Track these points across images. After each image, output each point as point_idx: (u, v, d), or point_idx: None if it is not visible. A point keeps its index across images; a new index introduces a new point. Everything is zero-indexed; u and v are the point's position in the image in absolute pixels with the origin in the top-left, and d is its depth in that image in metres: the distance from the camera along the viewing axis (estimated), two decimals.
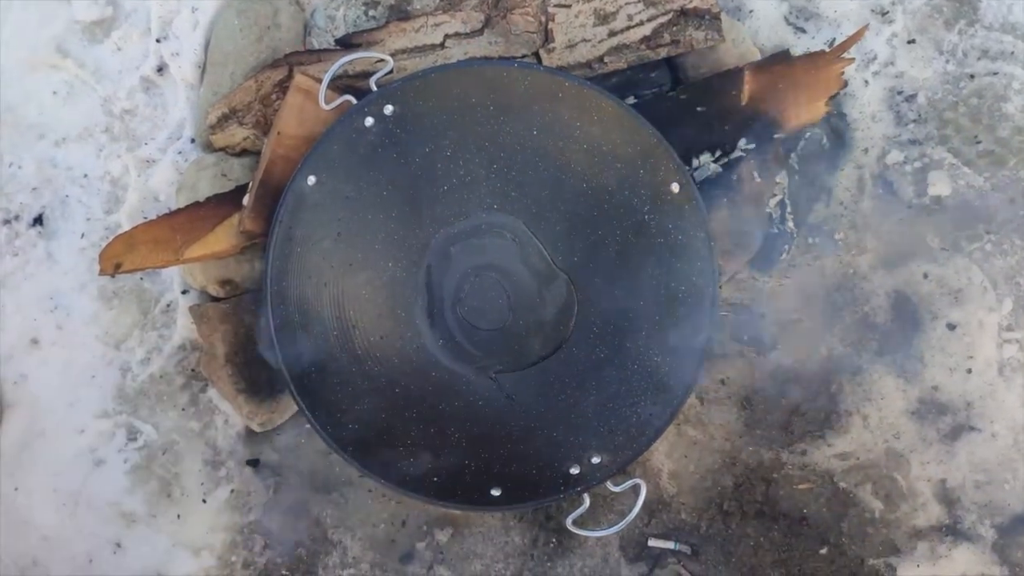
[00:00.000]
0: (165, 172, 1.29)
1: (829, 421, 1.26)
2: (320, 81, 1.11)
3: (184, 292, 1.27)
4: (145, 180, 1.30)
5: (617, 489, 1.06)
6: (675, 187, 1.09)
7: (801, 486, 1.24)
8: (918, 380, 1.26)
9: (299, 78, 1.12)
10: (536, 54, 1.15)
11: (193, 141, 1.30)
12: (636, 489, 1.06)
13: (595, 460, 1.07)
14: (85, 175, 1.31)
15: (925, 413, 1.25)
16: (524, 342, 1.13)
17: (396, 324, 1.12)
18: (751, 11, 1.32)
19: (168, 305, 1.28)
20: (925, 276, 1.28)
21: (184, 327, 1.27)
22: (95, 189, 1.31)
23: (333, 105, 1.09)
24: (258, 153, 1.21)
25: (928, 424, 1.25)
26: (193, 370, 1.26)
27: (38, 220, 1.29)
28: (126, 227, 1.28)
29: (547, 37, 1.14)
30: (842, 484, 1.25)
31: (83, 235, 1.29)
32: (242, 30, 1.21)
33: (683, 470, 1.26)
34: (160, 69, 1.31)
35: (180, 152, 1.30)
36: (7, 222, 1.30)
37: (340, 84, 1.15)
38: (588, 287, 1.13)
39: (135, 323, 1.28)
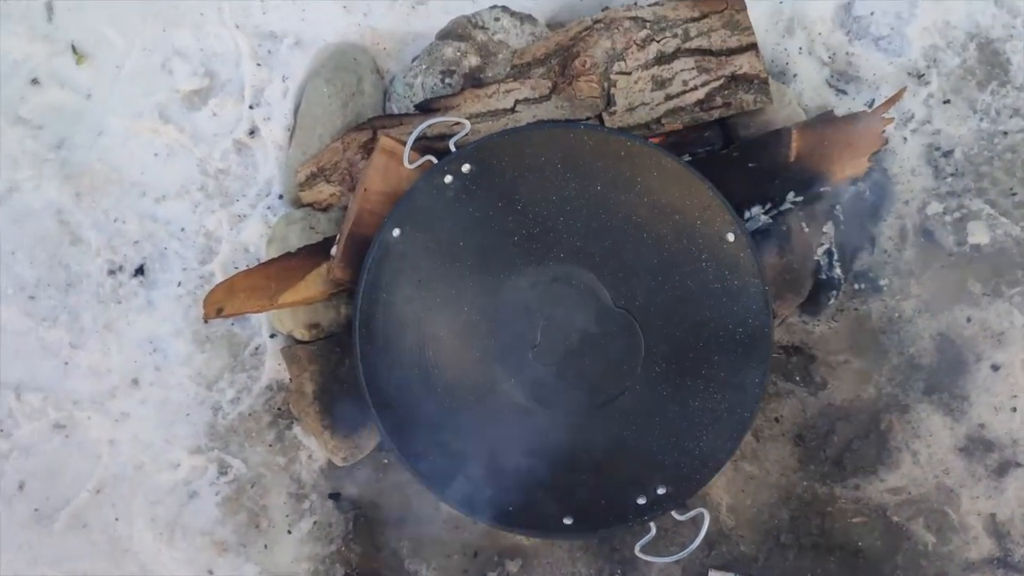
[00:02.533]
0: (255, 226, 1.41)
1: (880, 457, 1.32)
2: (403, 143, 1.23)
3: (272, 336, 1.37)
4: (237, 233, 1.41)
5: (682, 518, 1.13)
6: (730, 236, 1.18)
7: (855, 519, 1.30)
8: (965, 418, 1.32)
9: (384, 140, 1.24)
10: (599, 117, 1.26)
11: (281, 197, 1.41)
12: (699, 519, 1.12)
13: (660, 491, 1.15)
14: (182, 229, 1.43)
15: (973, 450, 1.31)
16: (592, 382, 1.21)
17: (472, 364, 1.21)
18: (795, 75, 1.42)
19: (256, 349, 1.38)
20: (968, 320, 1.35)
21: (271, 369, 1.37)
22: (191, 242, 1.42)
23: (416, 164, 1.20)
24: (343, 208, 1.32)
25: (976, 460, 1.31)
26: (279, 409, 1.36)
27: (140, 271, 1.41)
28: (220, 277, 1.39)
29: (609, 101, 1.25)
30: (895, 518, 1.30)
31: (180, 284, 1.41)
32: (330, 97, 1.33)
33: (741, 504, 1.32)
34: (252, 132, 1.44)
35: (269, 208, 1.41)
36: (112, 272, 1.41)
37: (419, 145, 1.26)
38: (651, 330, 1.21)
39: (226, 365, 1.38)
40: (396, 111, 1.37)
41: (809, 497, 1.32)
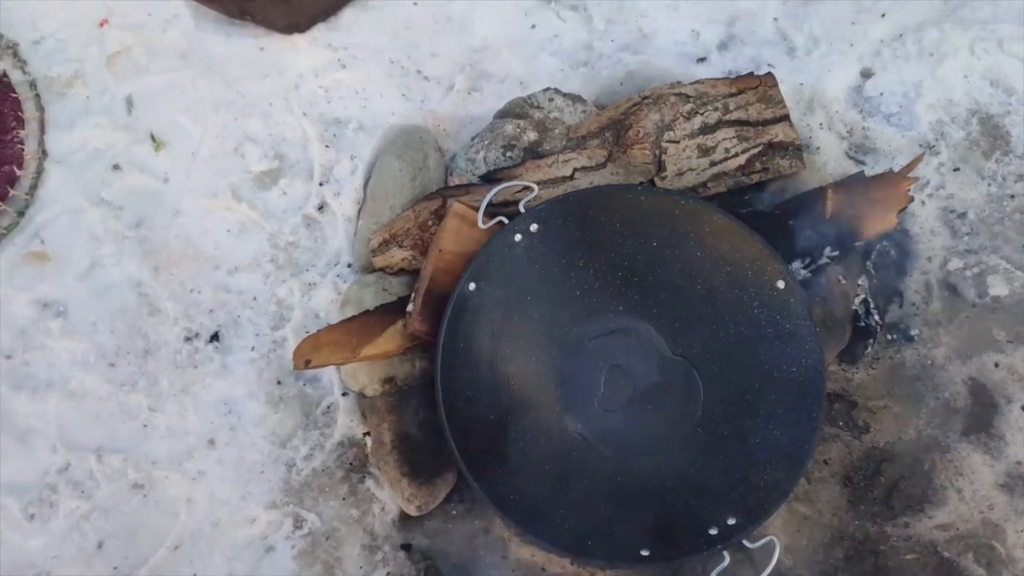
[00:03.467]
0: (325, 293, 1.50)
1: (926, 495, 1.39)
2: (473, 208, 1.34)
3: (344, 394, 1.44)
4: (308, 300, 1.50)
5: (754, 546, 1.19)
6: (780, 284, 1.29)
7: (908, 556, 1.36)
8: (1003, 456, 1.40)
9: (456, 205, 1.35)
10: (651, 181, 1.38)
11: (349, 266, 1.51)
12: (770, 546, 1.18)
13: (731, 521, 1.21)
14: (254, 298, 1.52)
15: (1013, 485, 1.38)
16: (657, 425, 1.29)
17: (543, 409, 1.29)
18: (818, 147, 1.56)
19: (328, 407, 1.45)
20: (996, 365, 1.45)
21: (343, 426, 1.44)
22: (263, 310, 1.51)
23: (489, 225, 1.31)
24: (413, 272, 1.42)
25: (1018, 495, 1.38)
26: (351, 463, 1.42)
27: (215, 337, 1.49)
28: (292, 342, 1.48)
29: (660, 167, 1.38)
30: (946, 553, 1.36)
31: (253, 348, 1.48)
32: (401, 171, 1.45)
33: (797, 544, 1.38)
34: (321, 207, 1.55)
35: (338, 275, 1.51)
36: (188, 339, 1.49)
37: (487, 210, 1.38)
38: (710, 375, 1.30)
39: (299, 424, 1.44)
40: (457, 183, 1.49)
41: (861, 536, 1.38)
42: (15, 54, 1.68)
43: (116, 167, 1.60)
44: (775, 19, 1.67)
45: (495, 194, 1.33)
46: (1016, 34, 1.62)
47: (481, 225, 1.31)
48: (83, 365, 1.47)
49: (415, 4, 1.71)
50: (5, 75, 1.66)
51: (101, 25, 1.72)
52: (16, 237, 1.55)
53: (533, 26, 1.68)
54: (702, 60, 1.64)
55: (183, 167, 1.61)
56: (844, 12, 1.68)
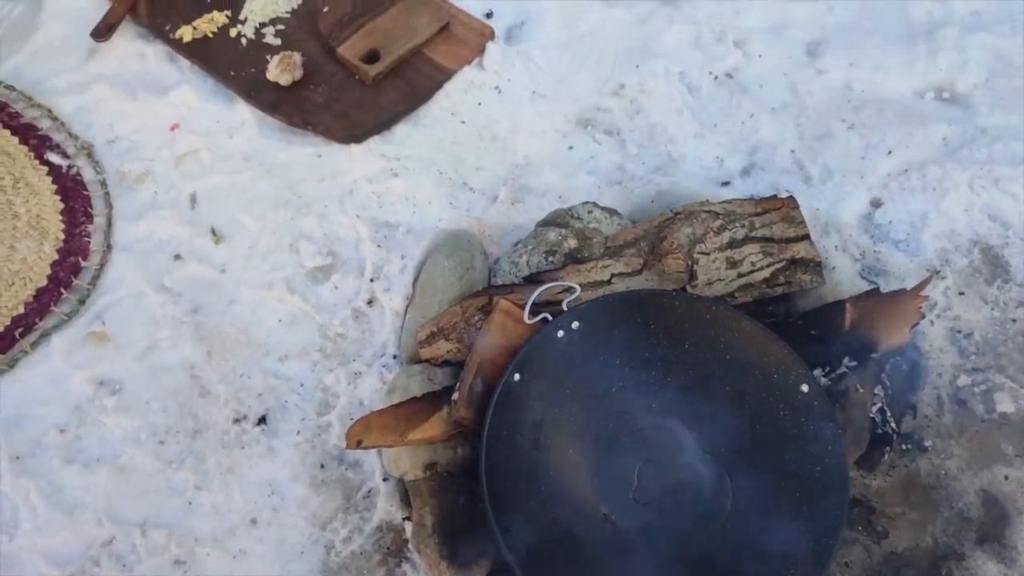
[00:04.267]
0: (370, 382, 1.58)
1: None
2: (519, 305, 1.44)
3: (385, 480, 1.50)
4: (353, 389, 1.58)
5: None
6: (804, 388, 1.38)
7: None
8: (1016, 566, 1.45)
9: (502, 302, 1.45)
10: (683, 289, 1.49)
11: (395, 357, 1.60)
12: None
13: None
14: (302, 385, 1.60)
15: None
16: (688, 518, 1.35)
17: (581, 499, 1.35)
18: (834, 267, 1.68)
19: (369, 492, 1.50)
20: (1006, 478, 1.52)
21: (383, 510, 1.49)
22: (310, 396, 1.59)
23: (534, 320, 1.41)
24: (457, 363, 1.51)
25: None
26: (389, 548, 1.46)
27: (262, 420, 1.56)
28: (337, 428, 1.55)
29: (692, 276, 1.49)
30: None
31: (298, 432, 1.55)
32: (450, 270, 1.57)
33: None
34: (370, 302, 1.65)
35: (384, 366, 1.60)
36: (237, 421, 1.56)
37: (531, 308, 1.48)
38: (738, 472, 1.37)
39: (339, 507, 1.50)
40: (501, 283, 1.60)
41: None
42: (89, 155, 1.82)
43: (178, 257, 1.71)
44: (792, 151, 1.83)
45: (541, 292, 1.43)
46: (1010, 175, 1.78)
47: (527, 320, 1.41)
48: (134, 442, 1.53)
49: (463, 123, 1.86)
50: (79, 173, 1.79)
51: (172, 129, 1.87)
52: (79, 318, 1.64)
53: (571, 147, 1.84)
54: (726, 184, 1.78)
55: (240, 260, 1.72)
56: (854, 148, 1.84)
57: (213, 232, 1.74)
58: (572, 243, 1.56)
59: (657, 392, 1.42)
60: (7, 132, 1.80)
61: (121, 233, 1.74)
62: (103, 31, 1.91)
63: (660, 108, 1.87)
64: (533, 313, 1.44)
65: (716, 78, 1.92)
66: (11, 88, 1.87)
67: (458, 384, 1.43)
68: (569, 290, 1.45)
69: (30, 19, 2.00)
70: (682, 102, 1.87)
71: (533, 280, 1.53)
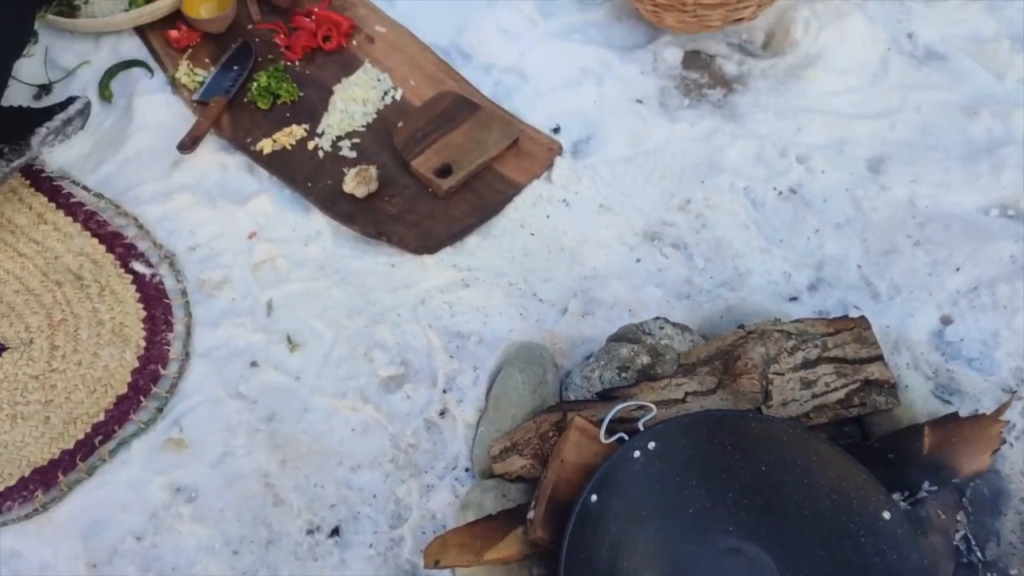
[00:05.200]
0: (443, 495, 1.59)
1: None
2: (593, 422, 1.45)
3: None
4: (426, 502, 1.59)
5: None
6: (886, 515, 1.36)
7: None
8: None
9: (577, 419, 1.46)
10: (758, 409, 1.49)
11: (467, 470, 1.61)
12: None
13: None
14: (374, 496, 1.61)
15: None
16: None
17: None
18: (906, 385, 1.67)
19: None
20: None
21: None
22: (382, 508, 1.59)
23: (611, 440, 1.42)
24: (531, 479, 1.51)
25: None
26: None
27: (335, 532, 1.57)
28: (409, 541, 1.55)
29: (766, 396, 1.49)
30: None
31: (371, 545, 1.56)
32: (523, 384, 1.58)
33: None
34: (442, 412, 1.67)
35: (456, 479, 1.60)
36: (310, 532, 1.57)
37: (598, 423, 1.49)
38: None
39: None
40: (573, 398, 1.61)
41: None
42: (171, 263, 1.88)
43: (254, 364, 1.75)
44: (859, 266, 1.85)
45: (617, 412, 1.44)
46: None
47: (604, 440, 1.41)
48: (208, 551, 1.55)
49: (532, 235, 1.91)
50: (161, 282, 1.85)
51: (250, 237, 1.94)
52: (158, 424, 1.68)
53: (638, 260, 1.87)
54: (794, 299, 1.80)
55: (315, 367, 1.75)
56: (921, 264, 1.85)
57: (289, 340, 1.79)
58: (645, 359, 1.58)
59: (734, 515, 1.41)
60: (95, 240, 1.88)
61: (200, 340, 1.79)
62: (188, 144, 2.00)
63: (726, 223, 1.90)
64: (609, 432, 1.45)
65: (780, 193, 1.95)
66: (100, 196, 1.95)
67: (533, 502, 1.43)
68: (644, 408, 1.46)
69: (121, 130, 2.10)
70: (747, 217, 1.91)
71: (606, 396, 1.55)
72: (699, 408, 1.51)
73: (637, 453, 1.41)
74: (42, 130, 1.93)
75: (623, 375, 1.57)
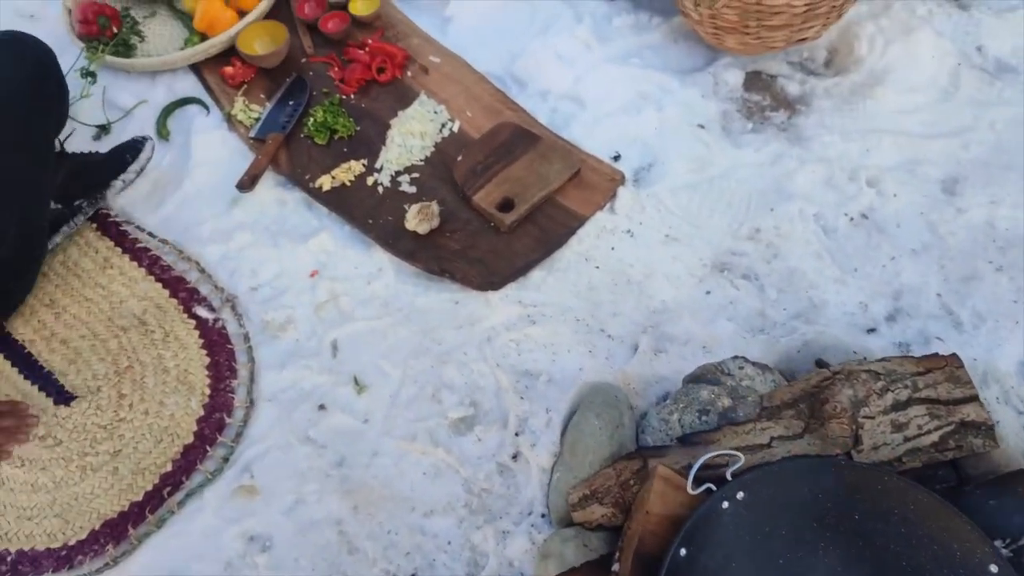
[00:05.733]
0: (520, 542, 1.55)
1: None
2: (677, 471, 1.41)
3: None
4: (502, 549, 1.55)
5: None
6: (993, 568, 1.30)
7: None
8: None
9: (661, 468, 1.42)
10: (848, 454, 1.44)
11: (543, 516, 1.57)
12: None
13: None
14: (449, 542, 1.58)
15: None
16: None
17: None
18: (997, 421, 1.61)
19: None
20: None
21: None
22: (458, 555, 1.56)
23: (698, 491, 1.37)
24: (612, 528, 1.47)
25: None
26: None
27: None
28: None
29: (856, 441, 1.44)
30: None
31: None
32: (600, 429, 1.55)
33: None
34: (515, 456, 1.64)
35: (533, 526, 1.57)
36: None
37: (682, 471, 1.44)
38: None
39: None
40: (651, 442, 1.57)
41: None
42: (233, 307, 1.87)
43: (322, 407, 1.73)
44: (938, 295, 1.79)
45: (703, 461, 1.39)
46: None
47: (691, 491, 1.37)
48: None
49: (597, 268, 1.87)
50: (224, 327, 1.84)
51: (312, 276, 1.92)
52: (228, 470, 1.66)
53: (708, 292, 1.82)
54: (872, 331, 1.74)
55: (383, 409, 1.73)
56: (1004, 291, 1.78)
57: (355, 381, 1.76)
58: (726, 402, 1.53)
59: (828, 566, 1.36)
60: (159, 285, 1.87)
61: (266, 382, 1.77)
62: (247, 183, 1.99)
63: (798, 251, 1.85)
64: (696, 481, 1.40)
65: (852, 219, 1.89)
66: (164, 242, 1.94)
67: (618, 555, 1.39)
68: (730, 455, 1.41)
69: (179, 168, 2.09)
70: (820, 245, 1.85)
71: (687, 441, 1.50)
72: (786, 453, 1.46)
73: (726, 504, 1.37)
74: (118, 183, 1.96)
75: (703, 419, 1.53)
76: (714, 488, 1.38)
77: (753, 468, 1.40)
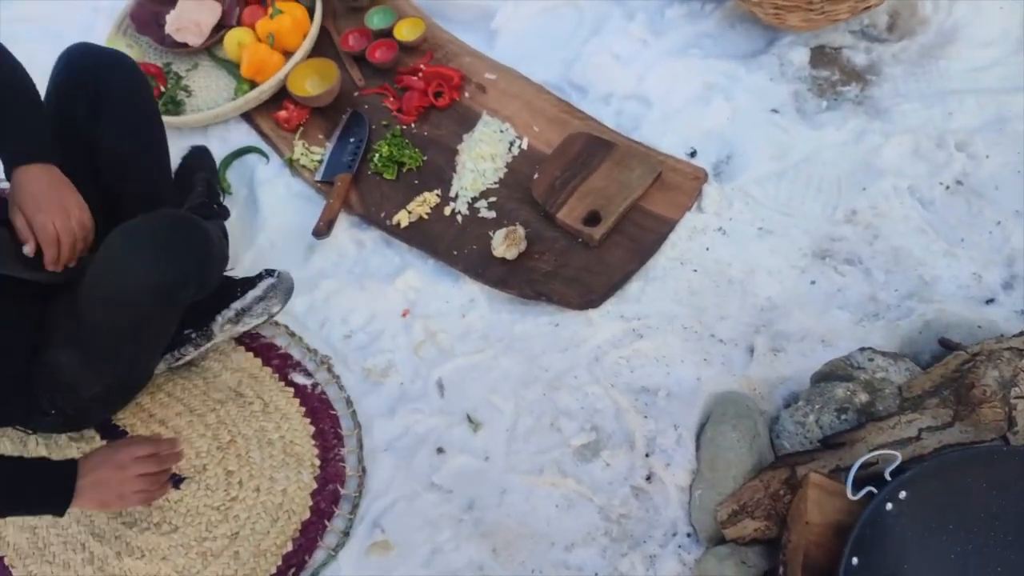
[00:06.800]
0: (670, 565, 1.52)
1: None
2: (831, 478, 1.37)
3: None
4: (652, 574, 1.52)
5: None
6: None
7: None
8: None
9: (814, 476, 1.38)
10: (1004, 438, 1.40)
11: (689, 535, 1.54)
12: None
13: None
14: (596, 574, 1.54)
15: None
16: None
17: None
18: None
19: None
20: None
21: None
22: None
23: (859, 495, 1.34)
24: (766, 541, 1.44)
25: None
26: None
27: None
28: None
29: (1011, 423, 1.40)
30: None
31: None
32: (738, 441, 1.51)
33: None
34: (648, 478, 1.60)
35: (680, 546, 1.54)
36: None
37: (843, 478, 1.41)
38: None
39: None
40: (788, 448, 1.53)
41: None
42: (329, 369, 1.82)
43: (440, 450, 1.70)
44: None
45: (860, 464, 1.35)
46: None
47: (851, 496, 1.33)
48: None
49: (695, 271, 1.83)
50: (323, 392, 1.79)
51: (404, 315, 1.88)
52: (357, 528, 1.64)
53: (813, 282, 1.78)
54: (990, 301, 1.69)
55: (502, 445, 1.70)
56: None
57: (469, 419, 1.73)
58: (863, 397, 1.49)
59: (1000, 555, 1.32)
60: (251, 354, 1.83)
61: (379, 431, 1.74)
62: (323, 229, 1.96)
63: (899, 229, 1.80)
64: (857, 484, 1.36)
65: (947, 188, 1.84)
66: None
67: (782, 570, 1.36)
68: (886, 454, 1.37)
69: (248, 222, 2.06)
70: (920, 219, 1.80)
71: (830, 443, 1.46)
72: (937, 444, 1.42)
73: (889, 506, 1.33)
74: (228, 312, 1.78)
75: (842, 418, 1.49)
76: (875, 491, 1.34)
77: (910, 464, 1.36)
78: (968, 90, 1.97)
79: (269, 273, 1.79)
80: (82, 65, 1.67)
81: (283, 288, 1.81)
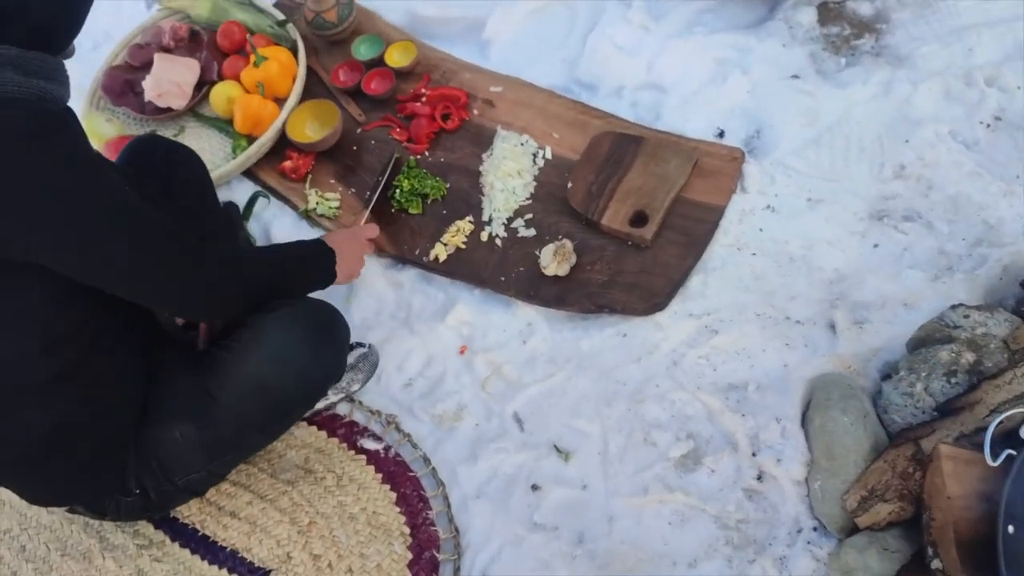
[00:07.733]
0: (803, 563, 1.46)
1: None
2: (961, 447, 1.32)
3: None
4: (789, 574, 1.46)
5: None
6: None
7: None
8: None
9: (943, 447, 1.34)
10: None
11: (815, 530, 1.48)
12: None
13: None
14: None
15: None
16: None
17: None
18: None
19: None
20: None
21: None
22: None
23: (999, 460, 1.29)
24: (903, 523, 1.39)
25: None
26: None
27: None
28: None
29: None
30: None
31: None
32: (851, 424, 1.46)
33: None
34: (759, 477, 1.55)
35: (809, 542, 1.48)
36: None
37: (964, 445, 1.36)
38: None
39: None
40: (899, 421, 1.48)
41: None
42: (397, 428, 1.73)
43: (535, 487, 1.63)
44: None
45: (996, 426, 1.31)
46: None
47: (992, 463, 1.29)
48: None
49: (753, 255, 1.77)
50: (397, 454, 1.69)
51: (462, 352, 1.80)
52: None
53: (876, 246, 1.73)
54: None
55: (598, 470, 1.63)
56: None
57: (557, 449, 1.66)
58: (969, 357, 1.45)
59: None
60: (313, 428, 1.73)
61: (465, 479, 1.66)
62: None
63: (951, 176, 1.76)
64: (973, 448, 1.32)
65: (988, 125, 1.81)
66: None
67: (930, 550, 1.31)
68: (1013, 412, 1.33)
69: None
70: (970, 162, 1.76)
71: (947, 410, 1.42)
72: None
73: None
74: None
75: (953, 381, 1.44)
76: (1014, 452, 1.30)
77: None
78: (981, 23, 1.94)
79: (359, 344, 1.70)
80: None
81: (371, 362, 1.75)
